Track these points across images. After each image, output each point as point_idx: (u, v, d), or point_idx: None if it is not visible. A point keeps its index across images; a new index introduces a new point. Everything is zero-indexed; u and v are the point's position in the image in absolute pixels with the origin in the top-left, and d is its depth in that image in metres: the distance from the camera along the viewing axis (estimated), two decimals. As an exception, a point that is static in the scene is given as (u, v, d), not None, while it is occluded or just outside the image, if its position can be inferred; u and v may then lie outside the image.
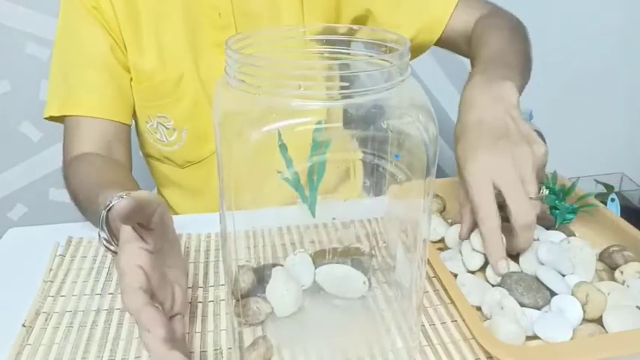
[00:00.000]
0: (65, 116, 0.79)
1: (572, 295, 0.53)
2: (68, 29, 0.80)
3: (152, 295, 0.46)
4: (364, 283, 0.53)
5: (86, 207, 0.66)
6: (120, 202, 0.43)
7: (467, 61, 0.80)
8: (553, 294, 0.54)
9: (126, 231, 0.47)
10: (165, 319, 0.41)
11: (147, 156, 0.90)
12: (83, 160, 0.75)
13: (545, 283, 0.55)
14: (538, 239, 0.61)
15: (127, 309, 0.42)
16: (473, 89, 0.62)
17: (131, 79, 0.81)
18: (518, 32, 0.78)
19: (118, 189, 0.54)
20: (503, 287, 0.55)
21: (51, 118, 0.81)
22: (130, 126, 0.83)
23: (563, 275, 0.56)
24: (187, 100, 0.81)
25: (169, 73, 0.79)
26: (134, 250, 0.46)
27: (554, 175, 0.71)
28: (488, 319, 0.54)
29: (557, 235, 0.62)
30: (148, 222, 0.48)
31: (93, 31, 0.78)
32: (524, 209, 0.54)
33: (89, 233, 0.67)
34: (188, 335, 0.53)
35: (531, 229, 0.56)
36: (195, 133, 0.83)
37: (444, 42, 0.85)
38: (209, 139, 0.84)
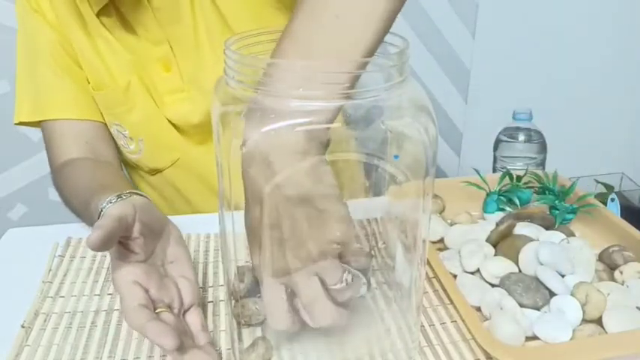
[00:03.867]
0: (40, 121, 0.78)
1: (571, 295, 0.53)
2: (24, 32, 0.79)
3: (156, 302, 0.47)
4: (363, 283, 0.53)
5: (81, 213, 0.66)
6: (89, 236, 0.44)
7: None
8: (552, 294, 0.54)
9: (112, 250, 0.48)
10: (169, 328, 0.43)
11: (123, 162, 0.88)
12: (70, 166, 0.75)
13: (544, 283, 0.55)
14: (538, 239, 0.61)
15: (133, 328, 0.44)
16: None
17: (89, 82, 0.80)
18: None
19: (110, 191, 0.54)
20: (502, 288, 0.55)
21: (22, 124, 0.79)
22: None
23: (563, 275, 0.56)
24: (138, 110, 0.79)
25: (117, 82, 0.77)
26: (125, 267, 0.48)
27: (555, 175, 0.71)
28: (487, 319, 0.53)
29: (556, 235, 0.61)
30: (129, 235, 0.48)
31: (43, 32, 0.77)
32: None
33: (88, 234, 0.67)
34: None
35: None
36: (152, 143, 0.81)
37: None
38: (168, 148, 0.82)
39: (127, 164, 0.88)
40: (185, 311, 0.51)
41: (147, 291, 0.47)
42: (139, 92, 0.78)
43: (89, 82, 0.79)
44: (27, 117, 0.78)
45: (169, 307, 0.48)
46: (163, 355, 0.50)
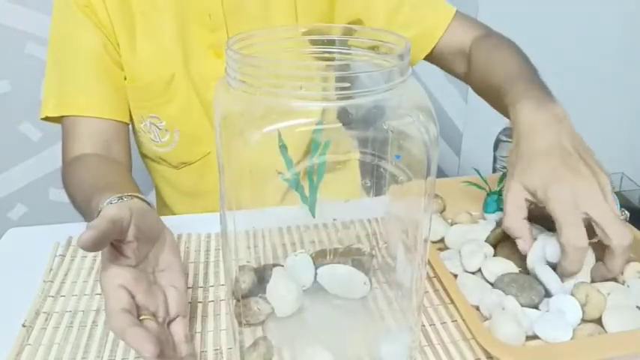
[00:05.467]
0: (62, 116, 0.79)
1: (571, 295, 0.53)
2: (61, 28, 0.79)
3: (141, 308, 0.46)
4: (365, 283, 0.53)
5: (84, 211, 0.66)
6: (81, 235, 0.43)
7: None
8: (546, 290, 0.54)
9: (104, 251, 0.47)
10: (150, 335, 0.42)
11: (143, 156, 0.90)
12: (80, 161, 0.75)
13: (545, 283, 0.55)
14: (538, 239, 0.61)
15: (113, 332, 0.44)
16: (527, 113, 0.60)
17: (125, 78, 0.81)
18: (521, 51, 0.77)
19: (113, 191, 0.54)
20: (497, 289, 0.55)
21: (47, 119, 0.80)
22: (128, 124, 0.83)
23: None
24: (178, 102, 0.80)
25: (160, 74, 0.78)
26: (114, 270, 0.47)
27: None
28: (488, 319, 0.54)
29: (557, 236, 0.61)
30: (123, 238, 0.48)
31: (85, 29, 0.77)
32: (622, 231, 0.53)
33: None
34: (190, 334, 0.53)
35: (629, 249, 0.54)
36: (188, 134, 0.82)
37: (435, 57, 0.84)
38: (201, 141, 0.84)
39: (149, 159, 0.89)
40: (170, 321, 0.50)
41: (133, 296, 0.46)
42: (182, 83, 0.79)
43: (126, 78, 0.80)
44: (52, 111, 0.79)
45: (154, 315, 0.47)
46: (164, 355, 0.50)
